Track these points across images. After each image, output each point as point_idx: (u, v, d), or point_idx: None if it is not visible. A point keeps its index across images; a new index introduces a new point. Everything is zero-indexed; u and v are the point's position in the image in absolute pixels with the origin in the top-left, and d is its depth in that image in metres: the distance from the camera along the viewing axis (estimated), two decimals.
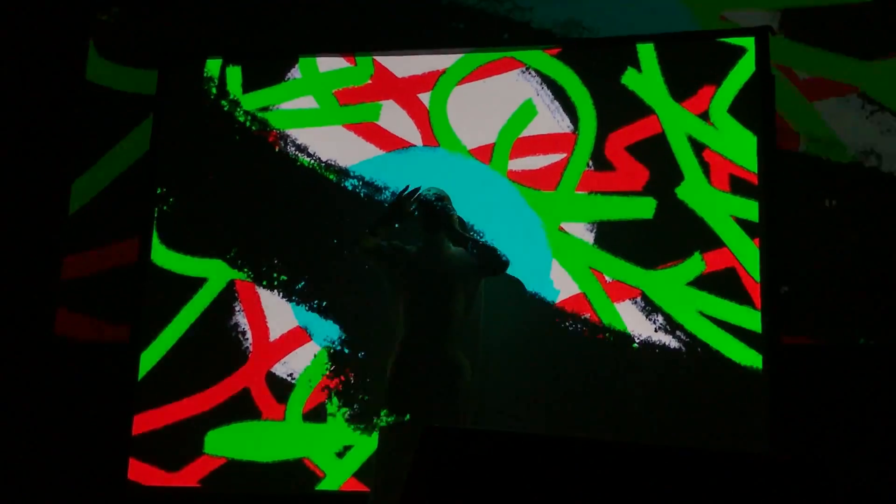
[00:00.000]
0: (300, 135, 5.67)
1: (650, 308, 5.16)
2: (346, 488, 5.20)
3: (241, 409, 5.36)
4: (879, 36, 5.60)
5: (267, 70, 5.79)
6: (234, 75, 5.78)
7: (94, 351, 5.84)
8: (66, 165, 6.13)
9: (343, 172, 5.58)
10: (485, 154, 5.47)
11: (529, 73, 5.54)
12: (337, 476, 5.22)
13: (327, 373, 5.34)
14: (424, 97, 5.60)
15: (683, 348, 5.11)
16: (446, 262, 4.86)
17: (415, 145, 5.56)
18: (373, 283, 5.20)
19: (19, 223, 6.12)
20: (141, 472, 5.34)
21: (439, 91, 5.59)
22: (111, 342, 5.79)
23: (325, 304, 5.42)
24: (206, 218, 5.64)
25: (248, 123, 5.71)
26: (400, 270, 4.87)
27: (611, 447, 2.92)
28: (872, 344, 5.27)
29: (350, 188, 5.55)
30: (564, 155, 5.41)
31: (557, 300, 5.23)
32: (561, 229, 5.32)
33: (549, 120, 5.47)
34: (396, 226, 5.05)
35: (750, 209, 5.17)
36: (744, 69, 5.31)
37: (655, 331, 5.13)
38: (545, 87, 5.51)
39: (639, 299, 5.18)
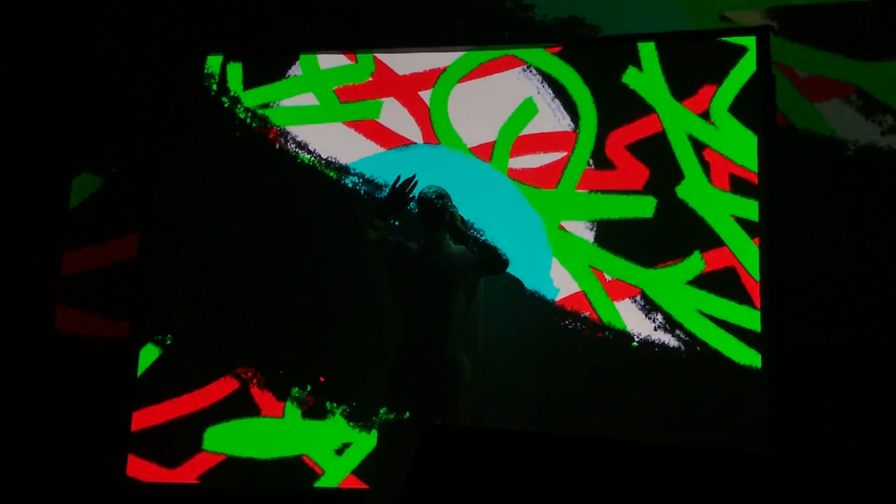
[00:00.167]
0: (300, 132, 5.67)
1: (650, 307, 5.17)
2: (345, 485, 5.20)
3: (240, 405, 5.36)
4: (879, 36, 5.60)
5: (268, 67, 5.79)
6: (235, 72, 5.78)
7: (94, 347, 5.84)
8: (66, 162, 6.13)
9: (343, 170, 5.58)
10: (485, 152, 5.47)
11: (530, 72, 5.54)
12: (336, 473, 5.23)
13: (326, 371, 5.34)
14: (425, 95, 5.60)
15: (683, 347, 5.11)
16: (447, 260, 4.85)
17: (415, 143, 5.56)
18: (372, 282, 5.20)
19: (19, 219, 6.12)
20: (140, 469, 5.34)
21: (440, 89, 5.59)
22: (110, 338, 5.80)
23: (324, 300, 5.43)
24: (206, 214, 5.64)
25: (248, 120, 5.71)
26: (401, 267, 4.87)
27: (610, 445, 2.92)
28: (872, 343, 5.27)
29: (350, 185, 5.55)
30: (565, 153, 5.41)
31: (557, 298, 5.23)
32: (561, 228, 5.32)
33: (550, 118, 5.48)
34: (396, 223, 5.05)
35: (750, 208, 5.17)
36: (745, 68, 5.31)
37: (655, 329, 5.14)
38: (546, 86, 5.51)
39: (638, 298, 5.19)
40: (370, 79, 5.69)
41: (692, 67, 5.41)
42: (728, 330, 5.08)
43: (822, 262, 5.38)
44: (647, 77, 5.42)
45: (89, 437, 5.66)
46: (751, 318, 5.06)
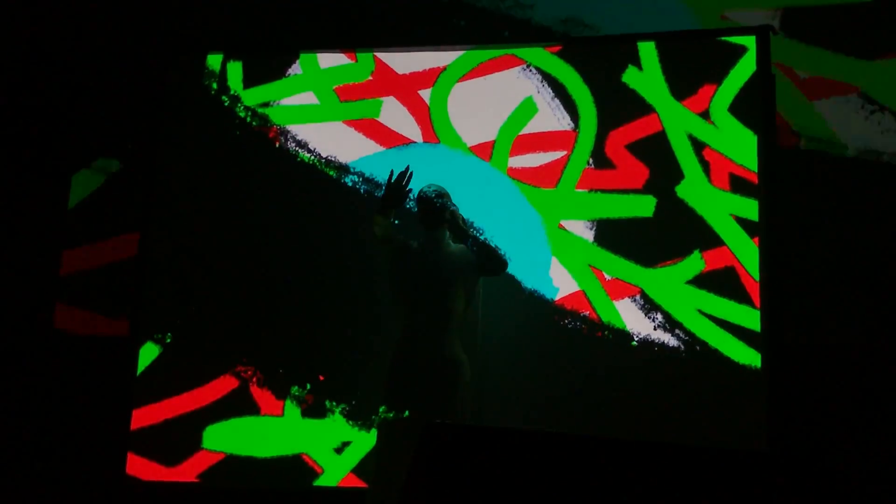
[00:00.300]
0: (300, 131, 5.67)
1: (649, 306, 5.17)
2: (344, 484, 5.20)
3: (239, 404, 5.36)
4: (879, 36, 5.61)
5: (268, 66, 5.79)
6: (235, 71, 5.78)
7: (93, 345, 5.84)
8: (66, 160, 6.13)
9: (343, 168, 5.58)
10: (485, 151, 5.47)
11: (530, 71, 5.54)
12: (335, 472, 5.23)
13: (326, 369, 5.34)
14: (425, 94, 5.60)
15: (682, 346, 5.11)
16: (446, 260, 4.85)
17: (415, 142, 5.56)
18: (372, 281, 5.21)
19: (19, 217, 6.12)
20: (139, 467, 5.34)
21: (440, 88, 5.59)
22: (110, 336, 5.80)
23: (323, 299, 5.43)
24: (206, 213, 5.64)
25: (248, 119, 5.71)
26: (401, 266, 4.86)
27: (609, 444, 2.92)
28: (871, 343, 5.28)
29: (350, 184, 5.55)
30: (565, 152, 5.41)
31: (557, 297, 5.23)
32: (561, 227, 5.32)
33: (550, 117, 5.48)
34: (396, 222, 5.05)
35: (750, 208, 5.17)
36: (744, 68, 5.31)
37: (654, 329, 5.14)
38: (546, 85, 5.51)
39: (638, 297, 5.19)
40: (370, 78, 5.69)
41: (692, 67, 5.41)
42: (727, 329, 5.08)
43: (822, 262, 5.38)
44: (646, 76, 5.42)
45: (89, 435, 5.66)
46: (750, 318, 5.06)
